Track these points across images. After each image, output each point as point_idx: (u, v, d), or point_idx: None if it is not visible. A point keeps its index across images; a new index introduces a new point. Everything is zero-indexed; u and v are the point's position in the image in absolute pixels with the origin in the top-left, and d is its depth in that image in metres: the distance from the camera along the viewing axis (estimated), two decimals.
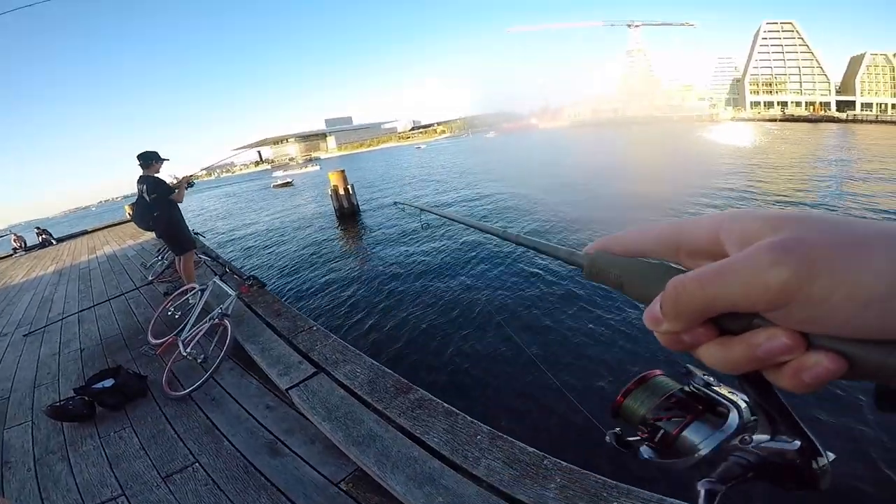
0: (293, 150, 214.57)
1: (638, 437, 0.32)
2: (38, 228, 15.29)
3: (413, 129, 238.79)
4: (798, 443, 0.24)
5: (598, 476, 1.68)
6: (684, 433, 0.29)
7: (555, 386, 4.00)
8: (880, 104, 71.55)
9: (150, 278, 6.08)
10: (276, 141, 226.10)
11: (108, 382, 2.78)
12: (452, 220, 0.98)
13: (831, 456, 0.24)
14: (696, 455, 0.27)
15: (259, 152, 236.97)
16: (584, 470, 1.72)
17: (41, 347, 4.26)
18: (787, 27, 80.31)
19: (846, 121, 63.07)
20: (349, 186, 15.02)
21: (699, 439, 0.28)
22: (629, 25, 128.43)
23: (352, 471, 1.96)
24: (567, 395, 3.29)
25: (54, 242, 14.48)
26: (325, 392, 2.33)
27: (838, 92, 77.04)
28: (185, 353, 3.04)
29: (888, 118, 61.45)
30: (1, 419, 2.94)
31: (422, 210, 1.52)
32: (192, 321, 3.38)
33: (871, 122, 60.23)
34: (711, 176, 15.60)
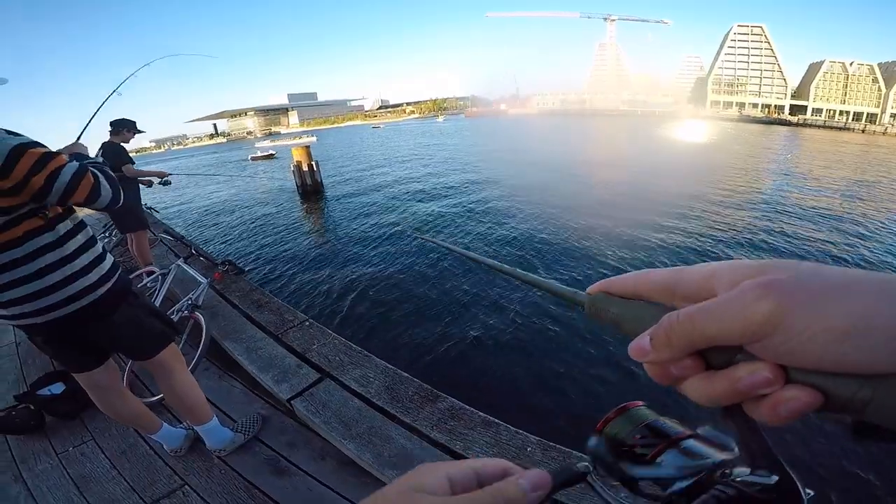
0: (251, 123, 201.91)
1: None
2: None
3: (381, 108, 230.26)
4: (776, 478, 0.24)
5: None
6: (659, 458, 0.27)
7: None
8: (829, 110, 75.22)
9: None
10: (234, 114, 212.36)
11: (58, 388, 2.27)
12: (465, 257, 0.83)
13: (810, 493, 0.24)
14: (672, 487, 0.26)
15: (214, 125, 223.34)
16: None
17: None
18: (756, 30, 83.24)
19: (796, 124, 66.87)
20: (313, 163, 14.53)
21: (673, 466, 0.27)
22: (605, 18, 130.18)
23: None
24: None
25: None
26: (337, 403, 1.99)
27: (793, 96, 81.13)
28: None
29: (834, 124, 65.67)
30: None
31: (438, 245, 1.30)
32: None
33: (818, 126, 64.14)
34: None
